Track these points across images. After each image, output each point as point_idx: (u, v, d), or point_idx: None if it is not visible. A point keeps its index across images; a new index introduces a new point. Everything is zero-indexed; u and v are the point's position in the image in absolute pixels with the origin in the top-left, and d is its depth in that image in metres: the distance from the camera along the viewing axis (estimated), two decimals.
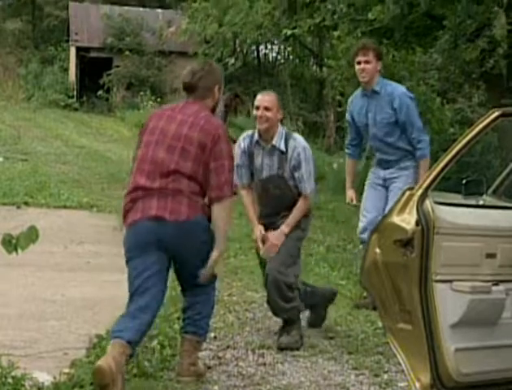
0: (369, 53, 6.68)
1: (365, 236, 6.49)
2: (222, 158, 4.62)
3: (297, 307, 5.72)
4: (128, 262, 4.65)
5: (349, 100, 7.15)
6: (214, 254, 4.63)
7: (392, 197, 6.29)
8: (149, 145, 4.68)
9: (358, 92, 6.96)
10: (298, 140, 5.74)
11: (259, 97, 5.75)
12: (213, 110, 4.89)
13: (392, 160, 6.76)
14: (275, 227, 5.71)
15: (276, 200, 5.69)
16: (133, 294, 4.59)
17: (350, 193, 7.05)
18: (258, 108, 5.66)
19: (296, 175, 5.64)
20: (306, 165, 5.66)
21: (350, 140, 7.12)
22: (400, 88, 6.87)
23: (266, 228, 5.73)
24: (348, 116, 7.08)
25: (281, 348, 5.53)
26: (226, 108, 13.66)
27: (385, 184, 6.79)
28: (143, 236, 4.56)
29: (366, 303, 6.55)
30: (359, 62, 6.70)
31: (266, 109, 5.63)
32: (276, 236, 5.65)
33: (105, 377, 4.21)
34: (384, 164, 6.84)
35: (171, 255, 4.63)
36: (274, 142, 5.67)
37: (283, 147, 5.66)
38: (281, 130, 5.71)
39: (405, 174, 6.65)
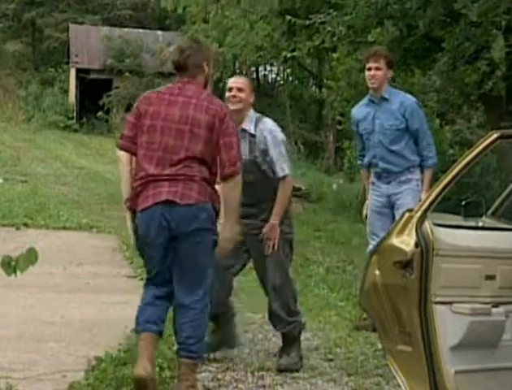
0: (380, 60, 6.63)
1: None
2: (230, 134, 4.67)
3: (299, 322, 5.69)
4: (142, 248, 4.77)
5: (352, 110, 7.10)
6: (227, 231, 4.76)
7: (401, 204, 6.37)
8: (154, 131, 4.65)
9: (363, 101, 6.92)
10: (267, 123, 5.63)
11: (232, 79, 5.74)
12: (205, 86, 4.88)
13: (394, 171, 6.64)
14: (254, 222, 5.53)
15: (251, 186, 5.27)
16: (150, 282, 4.78)
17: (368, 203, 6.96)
18: (230, 89, 5.58)
19: (267, 159, 5.51)
20: (275, 148, 5.51)
21: (360, 150, 7.03)
22: (410, 97, 6.85)
23: (244, 218, 5.35)
24: (353, 127, 7.03)
25: (280, 370, 5.50)
26: None
27: (390, 201, 6.67)
28: (155, 222, 4.58)
29: (366, 325, 6.53)
30: (370, 69, 6.65)
31: (239, 90, 5.57)
32: (269, 231, 5.50)
33: (147, 386, 4.39)
34: (385, 177, 6.71)
35: (174, 239, 4.62)
36: (244, 126, 5.53)
37: (252, 130, 5.54)
38: (252, 114, 5.63)
39: (409, 188, 6.57)
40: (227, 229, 4.82)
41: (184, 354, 4.71)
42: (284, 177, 5.50)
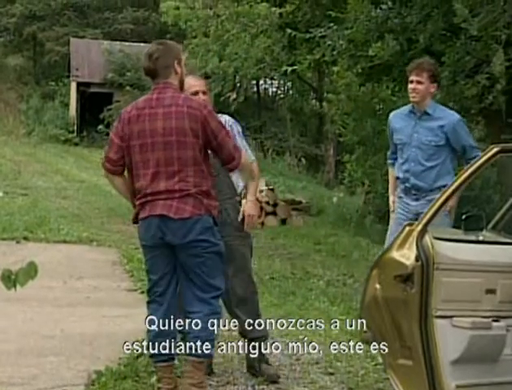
0: (423, 73, 6.42)
1: None
2: (218, 132, 4.72)
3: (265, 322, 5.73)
4: (144, 255, 4.93)
5: (390, 115, 6.89)
6: (249, 207, 5.21)
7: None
8: (146, 150, 4.67)
9: (405, 108, 6.73)
10: (224, 117, 5.61)
11: (192, 81, 5.50)
12: (181, 86, 4.88)
13: (423, 188, 6.44)
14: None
15: (221, 180, 5.35)
16: (152, 301, 4.85)
17: (392, 198, 6.83)
18: (196, 93, 5.45)
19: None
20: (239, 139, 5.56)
21: (392, 152, 6.88)
22: (455, 114, 6.64)
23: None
24: (388, 130, 6.89)
25: (274, 381, 5.50)
26: None
27: (416, 219, 6.43)
28: (152, 231, 4.68)
29: (367, 337, 6.44)
30: (411, 82, 6.49)
31: (204, 93, 5.51)
32: (250, 207, 5.43)
33: None
34: (413, 194, 6.51)
35: (175, 254, 4.71)
36: None
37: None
38: None
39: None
40: (249, 206, 5.29)
41: (190, 353, 4.75)
42: (250, 160, 5.39)
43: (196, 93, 5.47)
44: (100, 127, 29.60)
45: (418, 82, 6.43)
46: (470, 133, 6.65)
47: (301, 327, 6.83)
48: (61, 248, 10.66)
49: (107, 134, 29.91)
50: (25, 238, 10.97)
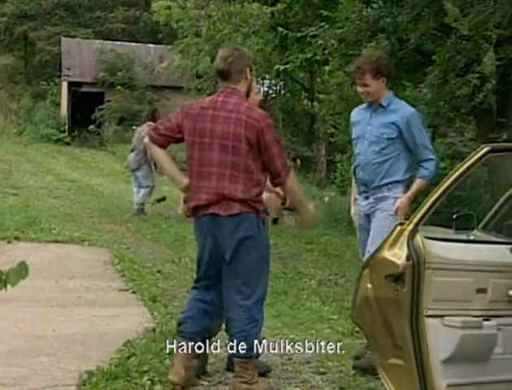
0: (365, 76, 6.00)
1: None
2: (270, 148, 4.87)
3: None
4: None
5: (352, 111, 6.47)
6: (303, 214, 5.29)
7: (372, 234, 5.87)
8: (203, 148, 4.90)
9: (364, 104, 6.28)
10: None
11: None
12: (247, 93, 5.08)
13: (370, 183, 6.01)
14: None
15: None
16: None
17: (352, 211, 6.39)
18: None
19: None
20: None
21: (355, 159, 6.41)
22: (408, 107, 6.16)
23: None
24: (350, 128, 6.50)
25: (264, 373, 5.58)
26: (152, 120, 14.26)
27: (369, 221, 6.06)
28: (204, 229, 4.97)
29: (361, 364, 6.18)
30: (358, 85, 6.12)
31: None
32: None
33: None
34: (363, 191, 6.09)
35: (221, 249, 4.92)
36: None
37: None
38: None
39: (384, 205, 5.94)
40: (303, 213, 5.32)
41: (233, 353, 5.01)
42: None
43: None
44: (91, 126, 29.62)
45: (364, 85, 6.04)
46: (426, 132, 6.24)
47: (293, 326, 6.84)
48: (52, 248, 10.63)
49: (99, 134, 30.05)
50: (16, 238, 10.93)
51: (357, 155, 6.17)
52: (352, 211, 6.34)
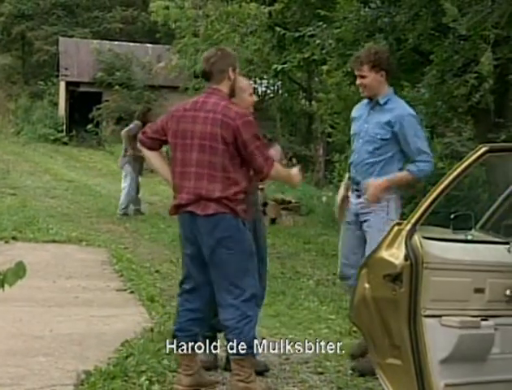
0: (363, 67, 5.86)
1: (345, 282, 6.04)
2: (249, 145, 4.90)
3: None
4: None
5: (354, 108, 6.31)
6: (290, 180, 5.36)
7: (369, 243, 5.62)
8: (185, 150, 4.97)
9: (366, 100, 6.11)
10: None
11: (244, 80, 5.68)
12: (231, 93, 5.10)
13: (362, 183, 5.88)
14: None
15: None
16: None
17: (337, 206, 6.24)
18: None
19: None
20: None
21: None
22: (406, 107, 5.96)
23: None
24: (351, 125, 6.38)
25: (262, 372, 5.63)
26: (142, 120, 14.13)
27: (358, 221, 5.91)
28: (184, 226, 5.06)
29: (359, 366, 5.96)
30: (356, 77, 5.97)
31: None
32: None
33: None
34: (355, 189, 5.95)
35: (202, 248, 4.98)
36: None
37: None
38: None
39: (378, 208, 5.78)
40: (289, 181, 5.45)
41: (230, 353, 5.03)
42: None
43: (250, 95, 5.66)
44: (89, 126, 29.57)
45: (362, 76, 5.90)
46: (422, 134, 5.98)
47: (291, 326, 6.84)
48: (50, 248, 10.62)
49: (96, 133, 30.02)
50: (14, 238, 10.92)
51: (353, 153, 6.09)
52: (335, 206, 6.23)
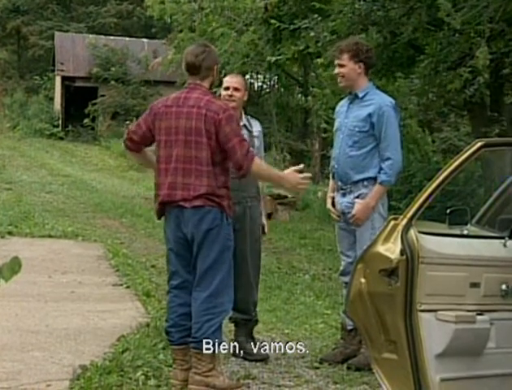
0: (342, 55, 5.81)
1: (346, 278, 5.89)
2: (230, 139, 4.86)
3: None
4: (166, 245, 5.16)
5: (337, 104, 6.29)
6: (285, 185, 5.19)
7: (359, 240, 5.75)
8: (170, 146, 4.94)
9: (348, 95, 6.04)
10: (256, 122, 6.12)
11: (228, 78, 5.94)
12: (210, 87, 5.12)
13: (345, 178, 5.84)
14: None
15: (247, 179, 5.35)
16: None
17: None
18: (227, 89, 5.85)
19: (259, 155, 5.53)
20: (262, 144, 6.08)
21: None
22: (387, 99, 5.89)
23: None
24: None
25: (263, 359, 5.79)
26: None
27: (345, 219, 5.88)
28: (170, 221, 5.00)
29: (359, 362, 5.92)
30: (335, 66, 5.95)
31: (236, 89, 5.84)
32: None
33: None
34: (340, 187, 5.91)
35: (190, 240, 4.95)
36: (242, 122, 5.86)
37: (249, 127, 5.93)
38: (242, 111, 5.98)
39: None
40: (285, 184, 5.14)
41: (191, 343, 4.96)
42: None
43: (227, 89, 5.83)
44: (85, 121, 29.55)
45: (340, 65, 5.84)
46: (396, 126, 5.83)
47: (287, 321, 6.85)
48: (46, 242, 10.63)
49: (92, 128, 30.00)
50: (9, 233, 10.92)
51: (334, 148, 6.07)
52: (328, 205, 6.14)
